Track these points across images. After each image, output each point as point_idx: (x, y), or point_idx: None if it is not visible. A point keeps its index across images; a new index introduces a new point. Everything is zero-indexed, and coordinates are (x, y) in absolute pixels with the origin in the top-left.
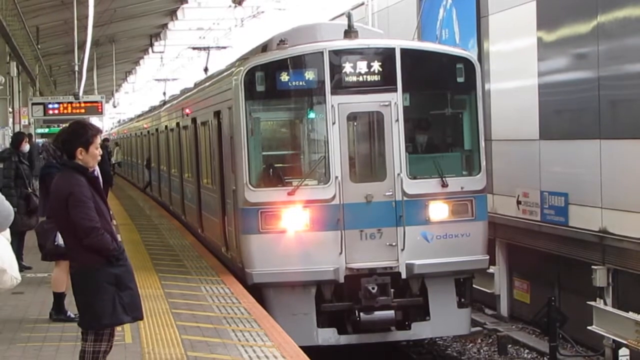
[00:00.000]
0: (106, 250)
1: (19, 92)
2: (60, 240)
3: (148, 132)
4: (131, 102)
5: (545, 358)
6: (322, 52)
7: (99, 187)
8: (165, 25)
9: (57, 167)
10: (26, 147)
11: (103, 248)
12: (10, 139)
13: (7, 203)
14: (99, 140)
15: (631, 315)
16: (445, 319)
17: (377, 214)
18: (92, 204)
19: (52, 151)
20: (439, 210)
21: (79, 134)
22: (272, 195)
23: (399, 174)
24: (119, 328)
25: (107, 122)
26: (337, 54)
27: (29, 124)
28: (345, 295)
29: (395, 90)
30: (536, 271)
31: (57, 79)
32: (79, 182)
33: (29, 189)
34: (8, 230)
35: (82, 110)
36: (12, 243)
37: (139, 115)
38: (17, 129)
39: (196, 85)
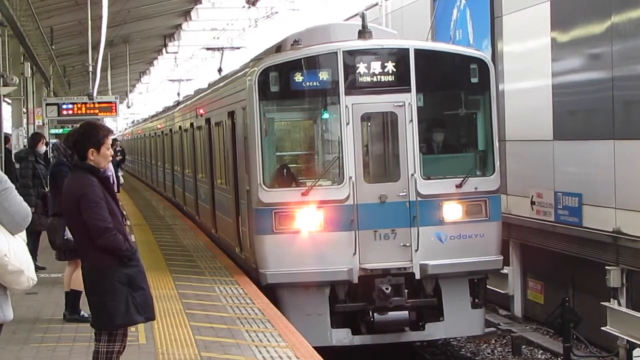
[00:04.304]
0: (119, 251)
1: (33, 92)
2: (69, 234)
3: (162, 132)
4: (145, 102)
5: (559, 359)
6: (336, 53)
7: (110, 187)
8: (179, 26)
9: (68, 165)
10: (42, 148)
11: (116, 248)
12: (24, 139)
13: (25, 204)
14: (110, 140)
15: None
16: (459, 320)
17: (391, 215)
18: (104, 205)
19: (63, 150)
20: (453, 211)
21: (90, 134)
22: (286, 196)
23: (412, 175)
24: (132, 328)
25: (121, 123)
26: (351, 54)
27: (43, 124)
28: (359, 295)
29: (409, 90)
30: (550, 272)
31: (71, 80)
32: (91, 182)
33: (46, 188)
34: (24, 231)
35: (96, 111)
36: (27, 243)
37: (153, 116)
38: (31, 130)
39: (210, 85)
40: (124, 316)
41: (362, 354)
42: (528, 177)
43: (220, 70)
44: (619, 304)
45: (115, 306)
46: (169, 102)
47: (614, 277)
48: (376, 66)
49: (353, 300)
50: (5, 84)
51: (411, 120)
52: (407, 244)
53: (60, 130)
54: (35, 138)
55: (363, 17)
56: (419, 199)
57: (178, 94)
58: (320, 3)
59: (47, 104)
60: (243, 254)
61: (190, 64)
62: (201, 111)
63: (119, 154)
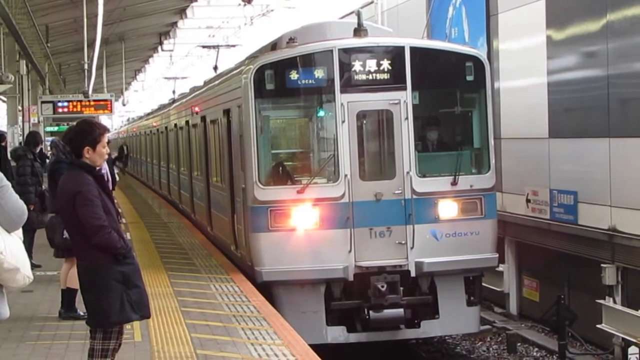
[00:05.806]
0: (114, 249)
1: (28, 90)
2: None
3: (157, 130)
4: (141, 100)
5: (554, 356)
6: (331, 51)
7: (105, 185)
8: (174, 24)
9: (67, 163)
10: (37, 148)
11: (111, 246)
12: (20, 137)
13: (21, 202)
14: (106, 139)
15: None
16: (455, 317)
17: (387, 212)
18: (99, 202)
19: (62, 147)
20: (448, 209)
21: (86, 132)
22: (282, 194)
23: (408, 172)
24: (128, 326)
25: (116, 120)
26: (346, 52)
27: (39, 122)
28: (354, 293)
29: (405, 88)
30: (545, 269)
31: (66, 77)
32: (87, 180)
33: (43, 186)
34: (20, 229)
35: (92, 109)
36: (23, 241)
37: (148, 114)
38: (26, 127)
39: (206, 83)
40: (119, 314)
41: (357, 351)
42: (523, 174)
43: (215, 68)
44: (614, 302)
45: (110, 304)
46: (164, 99)
47: (609, 275)
48: (372, 64)
49: (348, 297)
50: (1, 82)
51: (406, 118)
52: (403, 242)
53: (56, 128)
54: (37, 139)
55: (358, 15)
56: (414, 196)
57: (174, 92)
58: (316, 1)
59: (42, 102)
60: (238, 252)
61: (185, 62)
62: (197, 109)
63: (124, 149)
